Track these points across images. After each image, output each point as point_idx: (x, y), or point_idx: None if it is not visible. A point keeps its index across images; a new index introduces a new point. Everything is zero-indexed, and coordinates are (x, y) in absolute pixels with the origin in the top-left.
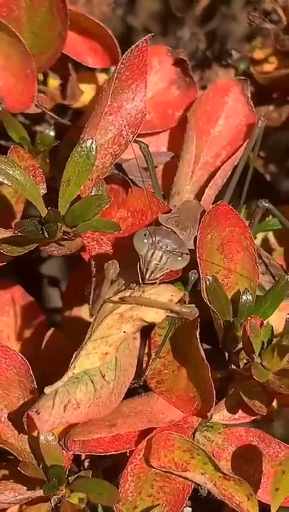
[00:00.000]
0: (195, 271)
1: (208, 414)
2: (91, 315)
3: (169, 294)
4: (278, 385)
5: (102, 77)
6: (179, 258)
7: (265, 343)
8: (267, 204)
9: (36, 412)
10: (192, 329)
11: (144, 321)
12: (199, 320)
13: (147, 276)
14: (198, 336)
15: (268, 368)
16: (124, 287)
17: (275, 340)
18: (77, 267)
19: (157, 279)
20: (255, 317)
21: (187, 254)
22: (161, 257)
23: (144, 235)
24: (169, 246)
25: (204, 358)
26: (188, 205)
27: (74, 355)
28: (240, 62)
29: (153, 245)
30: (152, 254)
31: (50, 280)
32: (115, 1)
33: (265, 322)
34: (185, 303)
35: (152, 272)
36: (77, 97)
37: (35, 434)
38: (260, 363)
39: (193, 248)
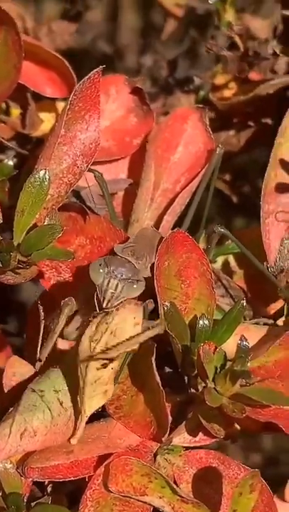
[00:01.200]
0: (151, 300)
1: (163, 438)
2: (39, 360)
3: (132, 317)
4: (231, 409)
5: (61, 106)
6: (135, 286)
7: (218, 368)
8: (222, 230)
9: None
10: (149, 355)
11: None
12: (155, 345)
13: (104, 305)
14: (153, 362)
15: (221, 392)
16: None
17: (228, 364)
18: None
19: (115, 307)
20: (208, 343)
21: (142, 281)
22: (116, 286)
23: (100, 264)
24: (123, 274)
25: (159, 383)
26: (145, 233)
27: (79, 400)
28: (201, 88)
29: (108, 274)
30: (108, 283)
31: (19, 307)
32: (78, 29)
33: (218, 347)
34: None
35: (109, 301)
36: (36, 126)
37: None
38: (214, 388)
39: (150, 276)
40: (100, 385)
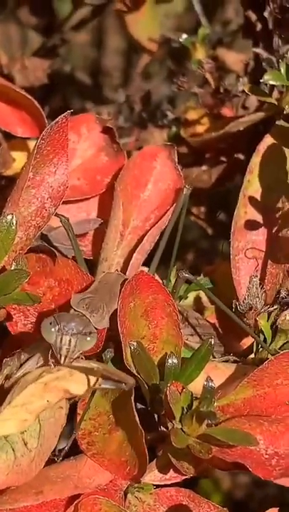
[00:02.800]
0: (110, 349)
1: (141, 478)
2: None
3: (96, 372)
4: (198, 449)
5: (33, 145)
6: (88, 338)
7: (185, 409)
8: (187, 275)
9: None
10: (125, 394)
11: (69, 392)
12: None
13: (62, 362)
14: (132, 402)
15: (188, 433)
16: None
17: (195, 405)
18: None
19: (72, 361)
20: (175, 383)
21: (94, 332)
22: (69, 341)
23: (50, 323)
24: (74, 329)
25: (138, 423)
26: (108, 279)
27: None
28: (175, 123)
29: (60, 331)
30: (61, 340)
31: None
32: (50, 65)
33: (185, 388)
34: None
35: (66, 357)
36: (8, 165)
37: None
38: (181, 429)
39: (107, 326)
40: (22, 411)
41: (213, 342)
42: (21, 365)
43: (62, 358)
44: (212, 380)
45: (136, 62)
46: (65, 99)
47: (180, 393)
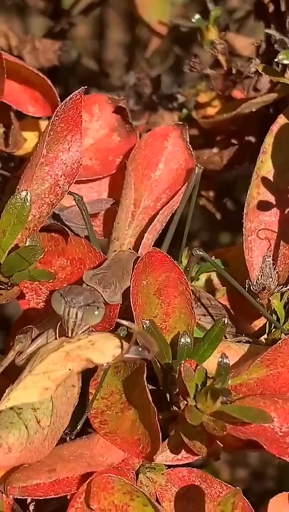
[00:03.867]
0: (123, 327)
1: (155, 456)
2: None
3: (116, 341)
4: (212, 426)
5: (44, 125)
6: (96, 312)
7: (200, 386)
8: (201, 252)
9: None
10: (138, 373)
11: (92, 361)
12: (145, 363)
13: (70, 335)
14: (145, 380)
15: (202, 410)
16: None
17: (209, 382)
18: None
19: (79, 334)
20: (189, 360)
21: (102, 307)
22: (76, 314)
23: (60, 295)
24: (82, 302)
25: (151, 401)
26: (120, 256)
27: (8, 389)
28: (184, 106)
29: (68, 304)
30: (68, 313)
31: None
32: (62, 46)
33: (200, 365)
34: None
35: (73, 330)
36: (19, 145)
37: None
38: (195, 406)
39: (120, 302)
40: (44, 379)
41: (226, 322)
42: (32, 340)
43: (70, 331)
44: (227, 357)
45: (145, 46)
46: (75, 82)
47: (194, 370)
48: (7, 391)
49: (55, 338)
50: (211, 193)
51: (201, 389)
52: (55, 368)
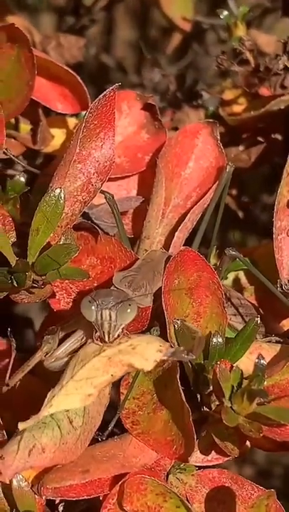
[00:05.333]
0: (156, 327)
1: (189, 458)
2: (7, 385)
3: (157, 345)
4: (248, 428)
5: (72, 122)
6: (128, 310)
7: (235, 387)
8: (234, 252)
9: (1, 457)
10: (171, 372)
11: (133, 367)
12: (178, 364)
13: (107, 339)
14: (178, 381)
15: (238, 411)
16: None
17: (244, 383)
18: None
19: (117, 337)
20: (224, 361)
21: (134, 303)
22: (110, 315)
23: (89, 302)
24: (112, 302)
25: (185, 402)
26: (152, 256)
27: (50, 395)
28: (210, 103)
29: (99, 307)
30: (101, 316)
31: (24, 321)
32: (86, 44)
33: (235, 365)
34: None
35: (109, 333)
36: (47, 142)
37: (5, 480)
38: (230, 407)
39: (150, 305)
40: (87, 385)
41: (259, 321)
42: (60, 342)
43: (106, 335)
44: (263, 358)
45: (168, 42)
46: (96, 80)
47: (230, 371)
48: (48, 396)
49: (84, 340)
50: (234, 191)
51: (237, 390)
52: (98, 374)
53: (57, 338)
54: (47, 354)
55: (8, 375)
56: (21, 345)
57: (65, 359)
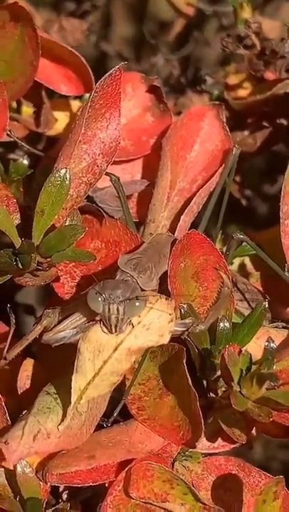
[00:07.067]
0: None
1: (197, 443)
2: (4, 358)
3: (167, 313)
4: (258, 413)
5: (75, 105)
6: (137, 304)
7: (244, 371)
8: (242, 236)
9: (5, 442)
10: (177, 357)
11: (153, 346)
12: (184, 349)
13: (114, 331)
14: (184, 366)
15: (247, 396)
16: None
17: (253, 368)
18: (52, 294)
19: (124, 329)
20: (233, 345)
21: (142, 297)
22: (118, 309)
23: (96, 293)
24: (121, 296)
25: (192, 387)
26: (158, 239)
27: (75, 387)
28: (214, 88)
29: (106, 301)
30: (109, 309)
31: (25, 308)
32: (89, 28)
33: (243, 349)
34: None
35: (116, 326)
36: (51, 125)
37: (9, 466)
38: (239, 391)
39: (156, 288)
40: (113, 376)
41: (266, 306)
42: (60, 321)
43: (113, 328)
44: (273, 341)
45: (170, 27)
46: (102, 63)
47: (238, 355)
48: (74, 387)
49: (86, 319)
50: (238, 177)
51: (246, 374)
52: (122, 365)
53: (57, 313)
54: (46, 329)
55: (6, 349)
56: (23, 331)
57: (64, 334)
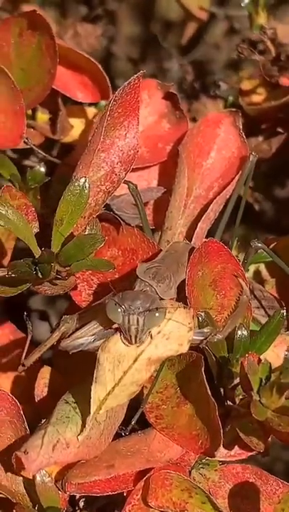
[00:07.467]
0: None
1: (216, 452)
2: (22, 365)
3: (187, 322)
4: (277, 422)
5: (91, 111)
6: (157, 314)
7: (264, 381)
8: (260, 244)
9: (24, 452)
10: (194, 366)
11: (171, 356)
12: (202, 357)
13: (134, 342)
14: (203, 374)
15: (267, 405)
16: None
17: (272, 376)
18: (66, 300)
19: (144, 340)
20: (252, 354)
21: (162, 308)
22: (138, 320)
23: (115, 304)
24: (141, 307)
25: (210, 395)
26: (176, 247)
27: (95, 397)
28: (228, 94)
29: (126, 312)
30: (128, 320)
31: (40, 314)
32: (103, 33)
33: (264, 358)
34: None
35: (136, 336)
36: (66, 132)
37: (29, 475)
38: (259, 401)
39: (174, 297)
40: (132, 386)
41: (284, 314)
42: (77, 328)
43: (133, 338)
44: None
45: (180, 30)
46: (112, 69)
47: (258, 364)
48: (94, 398)
49: (104, 327)
50: (250, 184)
51: (265, 383)
52: (142, 375)
53: (75, 319)
54: (63, 335)
55: (24, 355)
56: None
57: (82, 341)
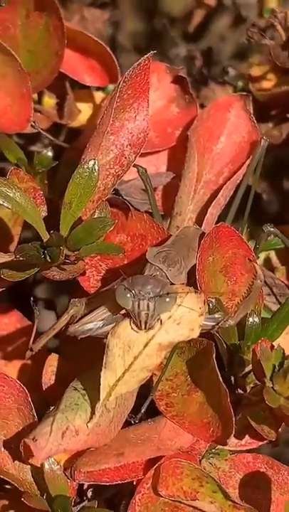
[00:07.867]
0: None
1: (228, 440)
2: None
3: (198, 307)
4: None
5: (98, 96)
6: (167, 299)
7: (277, 367)
8: (272, 229)
9: (33, 439)
10: (205, 353)
11: (182, 341)
12: (214, 344)
13: (144, 327)
14: (214, 361)
15: (280, 392)
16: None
17: (285, 363)
18: (72, 289)
19: (154, 325)
20: (265, 340)
21: (173, 293)
22: (148, 306)
23: (125, 289)
24: (151, 292)
25: (222, 383)
26: (186, 232)
27: (104, 383)
28: (237, 80)
29: (136, 297)
30: (139, 306)
31: (46, 303)
32: (109, 18)
33: (277, 345)
34: None
35: (146, 322)
36: (74, 116)
37: (37, 463)
38: (272, 388)
39: (184, 282)
40: (142, 372)
41: None
42: (85, 314)
43: (143, 324)
44: None
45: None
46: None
47: (270, 350)
48: (103, 384)
49: (113, 313)
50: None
51: (279, 370)
52: (152, 361)
53: (84, 303)
54: (71, 320)
55: (31, 340)
56: (43, 327)
57: (91, 326)
